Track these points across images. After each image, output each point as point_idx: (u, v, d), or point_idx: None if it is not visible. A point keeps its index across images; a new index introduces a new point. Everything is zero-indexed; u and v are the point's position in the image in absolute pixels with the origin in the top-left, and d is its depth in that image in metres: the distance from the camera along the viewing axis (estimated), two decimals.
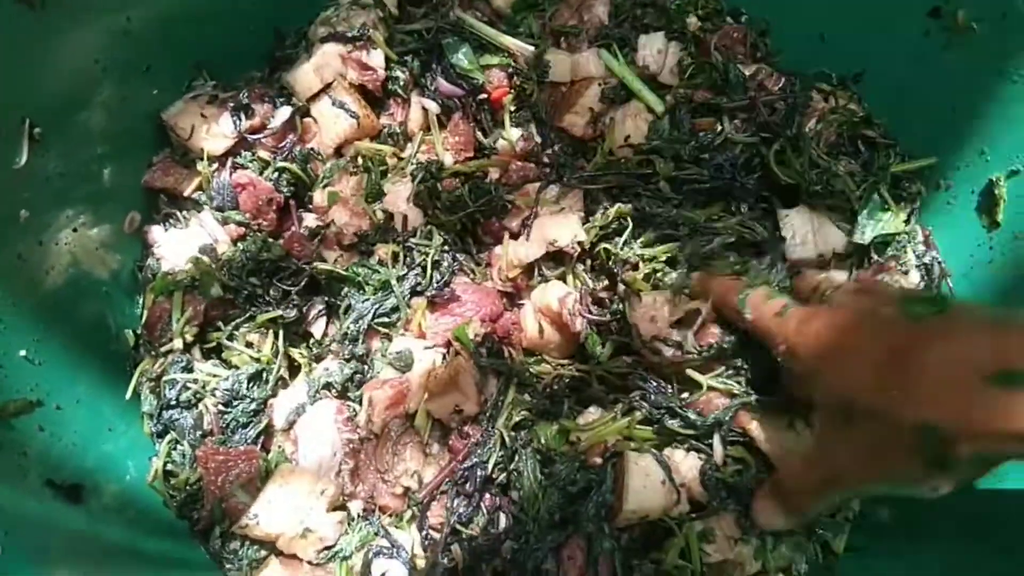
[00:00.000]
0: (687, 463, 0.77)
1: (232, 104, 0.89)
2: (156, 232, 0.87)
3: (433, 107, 0.92)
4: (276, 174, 0.90)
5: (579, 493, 0.76)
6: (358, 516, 0.79)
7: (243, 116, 0.89)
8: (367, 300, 0.85)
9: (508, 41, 0.92)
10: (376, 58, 0.92)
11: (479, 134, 0.93)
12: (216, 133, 0.88)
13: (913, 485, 0.52)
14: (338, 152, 0.94)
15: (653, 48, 0.91)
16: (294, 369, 0.86)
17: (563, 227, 0.84)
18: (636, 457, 0.75)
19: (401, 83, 0.94)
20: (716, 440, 0.77)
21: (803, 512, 0.68)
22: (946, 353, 0.48)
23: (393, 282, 0.85)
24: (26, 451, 0.65)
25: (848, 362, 0.55)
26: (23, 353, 0.68)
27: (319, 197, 0.91)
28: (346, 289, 0.87)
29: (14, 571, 0.58)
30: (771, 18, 0.96)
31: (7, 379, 0.66)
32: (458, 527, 0.76)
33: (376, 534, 0.78)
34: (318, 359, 0.86)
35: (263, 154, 0.91)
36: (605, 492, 0.75)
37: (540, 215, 0.87)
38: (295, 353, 0.86)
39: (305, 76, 0.91)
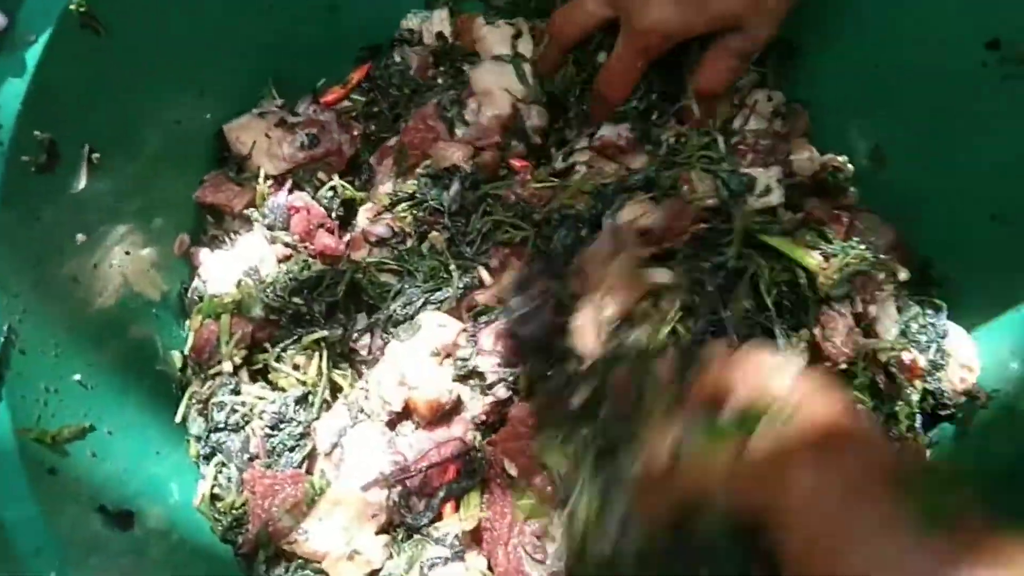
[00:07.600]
0: None
1: (297, 129, 0.90)
2: (203, 254, 0.87)
3: None
4: (331, 192, 0.90)
5: None
6: (404, 534, 0.77)
7: (307, 141, 0.89)
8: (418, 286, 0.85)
9: None
10: None
11: None
12: (276, 155, 0.89)
13: None
14: None
15: None
16: (336, 391, 0.86)
17: None
18: None
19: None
20: None
21: None
22: None
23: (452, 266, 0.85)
24: (79, 477, 0.65)
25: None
26: (77, 377, 0.69)
27: (362, 217, 0.91)
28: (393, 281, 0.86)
29: None
30: None
31: (62, 404, 0.66)
32: None
33: (422, 548, 0.76)
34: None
35: (321, 175, 0.91)
36: None
37: None
38: (337, 375, 0.85)
39: None
